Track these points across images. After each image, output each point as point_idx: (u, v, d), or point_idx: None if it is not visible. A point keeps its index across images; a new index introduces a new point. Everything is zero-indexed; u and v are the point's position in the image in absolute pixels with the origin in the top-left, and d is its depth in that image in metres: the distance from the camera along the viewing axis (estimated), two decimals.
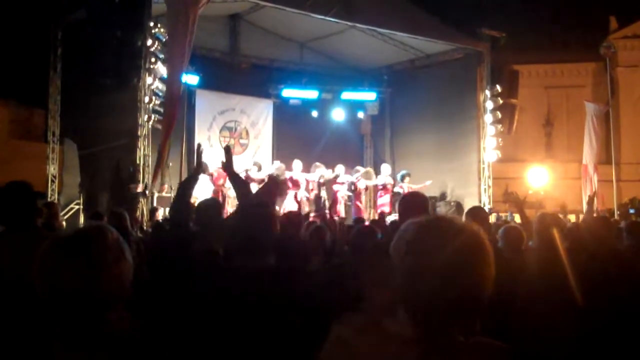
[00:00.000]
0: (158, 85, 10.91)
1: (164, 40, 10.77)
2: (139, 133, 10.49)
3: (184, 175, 12.32)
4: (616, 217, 13.73)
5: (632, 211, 15.65)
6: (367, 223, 7.39)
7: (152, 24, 10.51)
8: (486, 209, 12.86)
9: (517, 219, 6.41)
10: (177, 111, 10.58)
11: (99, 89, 9.81)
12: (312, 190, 12.76)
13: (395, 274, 1.34)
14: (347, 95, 15.87)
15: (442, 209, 13.70)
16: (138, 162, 10.45)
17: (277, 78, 15.42)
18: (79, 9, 10.42)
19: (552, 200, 17.64)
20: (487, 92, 14.40)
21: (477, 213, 4.35)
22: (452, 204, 14.04)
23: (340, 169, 13.03)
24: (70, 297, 1.35)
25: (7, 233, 2.93)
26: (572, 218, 12.13)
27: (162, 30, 10.76)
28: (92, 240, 1.41)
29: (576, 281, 2.70)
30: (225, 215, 4.72)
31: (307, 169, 12.89)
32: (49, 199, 11.01)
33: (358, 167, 13.67)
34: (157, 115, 10.88)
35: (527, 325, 2.68)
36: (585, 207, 11.58)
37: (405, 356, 1.29)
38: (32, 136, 14.59)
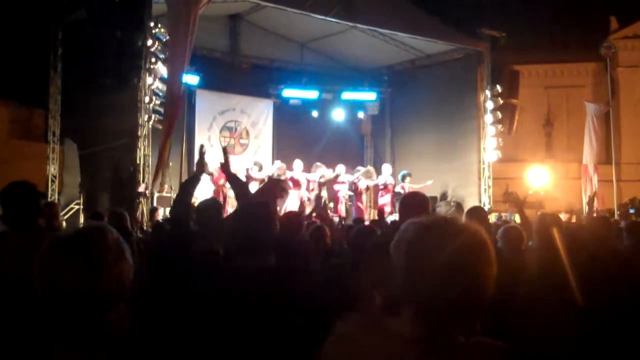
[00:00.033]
0: (158, 85, 10.91)
1: (164, 40, 10.77)
2: (139, 133, 10.49)
3: (184, 175, 12.33)
4: (616, 217, 13.73)
5: (632, 211, 15.64)
6: (366, 223, 7.39)
7: (152, 24, 10.51)
8: (486, 209, 12.86)
9: (517, 218, 6.41)
10: (178, 111, 10.58)
11: (99, 89, 9.82)
12: (312, 190, 12.77)
13: (396, 274, 1.35)
14: (347, 95, 15.87)
15: (442, 208, 13.65)
16: (138, 162, 10.45)
17: (277, 78, 15.42)
18: (79, 9, 10.42)
19: (552, 201, 17.63)
20: (487, 92, 14.40)
21: (476, 213, 4.35)
22: (452, 204, 13.94)
23: (340, 168, 13.04)
24: (70, 297, 1.35)
25: (11, 233, 2.92)
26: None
27: (162, 30, 10.76)
28: (92, 240, 1.41)
29: (576, 281, 2.69)
30: (225, 215, 4.72)
31: (307, 169, 12.90)
32: (49, 199, 11.00)
33: (359, 167, 13.68)
34: (157, 115, 10.88)
35: (527, 325, 2.67)
36: (585, 207, 11.58)
37: (407, 355, 1.29)
38: (32, 136, 14.58)
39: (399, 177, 13.49)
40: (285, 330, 2.16)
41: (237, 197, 3.02)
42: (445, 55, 15.06)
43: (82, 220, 10.68)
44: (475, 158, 14.66)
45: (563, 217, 6.71)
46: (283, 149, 14.91)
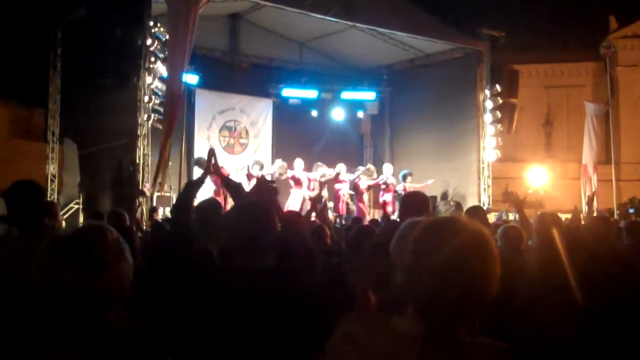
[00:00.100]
0: (158, 84, 10.91)
1: (163, 39, 10.76)
2: (139, 132, 10.49)
3: (184, 175, 12.33)
4: (616, 216, 13.73)
5: (631, 211, 15.63)
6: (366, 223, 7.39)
7: (152, 23, 10.51)
8: (485, 208, 12.87)
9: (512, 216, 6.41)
10: (178, 111, 10.58)
11: (99, 88, 9.81)
12: (313, 189, 12.78)
13: (396, 273, 1.35)
14: (346, 94, 15.86)
15: (441, 208, 13.68)
16: (138, 161, 10.45)
17: (277, 77, 15.41)
18: (78, 8, 10.41)
19: (552, 200, 17.64)
20: (487, 92, 14.40)
21: (476, 212, 4.35)
22: (452, 203, 14.00)
23: (341, 167, 13.04)
24: (70, 297, 1.35)
25: (18, 233, 2.90)
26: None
27: (162, 29, 10.76)
28: (92, 240, 1.41)
29: (576, 281, 2.69)
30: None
31: (307, 168, 12.91)
32: (48, 199, 11.00)
33: (359, 167, 13.68)
34: (156, 115, 10.88)
35: (527, 325, 2.68)
36: (584, 207, 11.58)
37: (409, 354, 1.29)
38: (32, 136, 14.57)
39: (400, 176, 13.49)
40: (285, 330, 2.16)
41: (233, 197, 3.02)
42: (445, 54, 15.06)
43: (81, 220, 10.67)
44: (475, 157, 14.67)
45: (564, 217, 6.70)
46: (282, 148, 14.90)
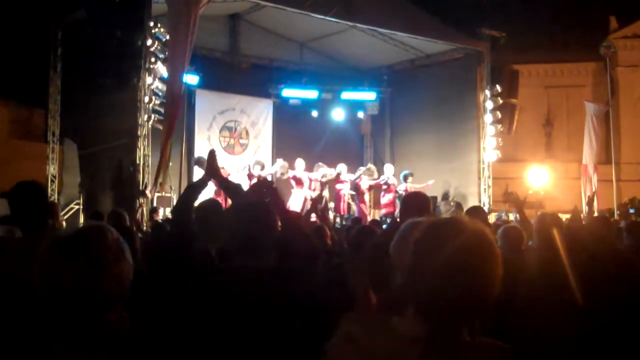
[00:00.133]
0: (158, 85, 10.91)
1: (164, 40, 10.77)
2: (139, 133, 10.49)
3: (184, 175, 12.34)
4: (616, 216, 13.74)
5: (632, 211, 15.65)
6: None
7: (152, 23, 10.51)
8: (485, 209, 12.87)
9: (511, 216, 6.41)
10: (178, 111, 10.58)
11: (99, 88, 9.82)
12: (314, 189, 12.79)
13: (396, 274, 1.35)
14: (347, 95, 15.86)
15: (442, 208, 13.70)
16: (138, 162, 10.45)
17: (277, 78, 15.41)
18: (79, 9, 10.41)
19: (552, 200, 17.64)
20: (487, 92, 14.40)
21: (476, 213, 4.35)
22: (452, 203, 14.04)
23: (342, 167, 13.04)
24: (70, 297, 1.35)
25: (21, 234, 2.90)
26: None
27: (162, 30, 10.76)
28: (92, 240, 1.41)
29: (576, 281, 2.69)
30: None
31: (308, 169, 12.91)
32: (49, 199, 11.00)
33: (360, 168, 13.68)
34: (157, 115, 10.88)
35: (527, 325, 2.67)
36: (585, 207, 11.58)
37: (412, 354, 1.29)
38: (32, 136, 14.56)
39: (401, 177, 13.49)
40: (285, 330, 2.16)
41: (232, 199, 3.01)
42: (445, 55, 15.06)
43: (81, 220, 10.68)
44: (475, 158, 14.67)
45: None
46: (283, 148, 14.90)
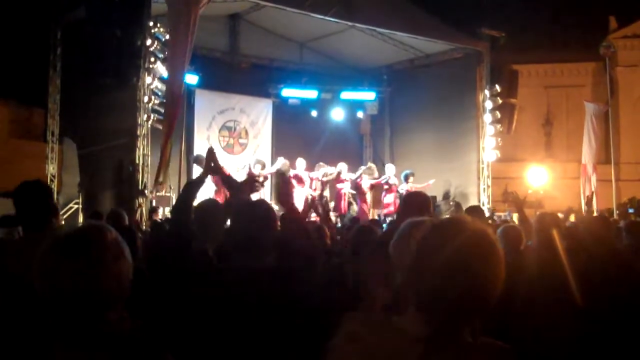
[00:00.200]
0: (157, 84, 10.91)
1: (163, 39, 10.76)
2: (139, 132, 10.48)
3: (183, 175, 12.34)
4: (615, 216, 13.74)
5: (631, 211, 15.66)
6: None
7: (151, 23, 10.50)
8: (485, 208, 12.87)
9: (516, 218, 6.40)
10: (178, 111, 10.58)
11: (99, 88, 9.80)
12: (315, 189, 12.80)
13: (396, 273, 1.35)
14: (346, 94, 15.86)
15: (441, 208, 13.71)
16: (137, 161, 10.45)
17: (277, 78, 15.41)
18: (78, 8, 10.40)
19: (552, 200, 17.65)
20: (487, 92, 14.39)
21: (475, 212, 4.35)
22: (452, 203, 14.05)
23: (342, 166, 13.04)
24: (70, 297, 1.35)
25: (24, 234, 2.89)
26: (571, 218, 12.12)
27: (161, 29, 10.76)
28: (91, 240, 1.41)
29: (576, 281, 2.70)
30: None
31: (309, 168, 12.92)
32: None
33: (361, 167, 13.67)
34: (156, 115, 10.87)
35: (527, 325, 2.68)
36: (584, 206, 11.59)
37: (413, 354, 1.30)
38: (32, 136, 14.58)
39: (402, 177, 13.48)
40: (285, 330, 2.16)
41: (233, 198, 3.01)
42: (445, 54, 15.05)
43: (81, 219, 10.67)
44: (475, 157, 14.67)
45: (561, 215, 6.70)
46: (282, 148, 14.89)
